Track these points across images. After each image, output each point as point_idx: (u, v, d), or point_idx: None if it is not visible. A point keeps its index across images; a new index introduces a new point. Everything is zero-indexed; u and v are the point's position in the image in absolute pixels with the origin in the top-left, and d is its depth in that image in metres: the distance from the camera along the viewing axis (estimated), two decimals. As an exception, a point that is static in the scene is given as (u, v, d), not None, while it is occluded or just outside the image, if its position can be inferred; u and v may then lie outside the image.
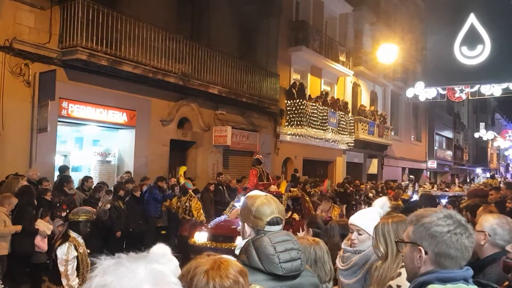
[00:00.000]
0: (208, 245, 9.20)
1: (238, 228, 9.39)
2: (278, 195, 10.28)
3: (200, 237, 9.74)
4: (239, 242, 2.40)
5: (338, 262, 3.44)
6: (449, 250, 1.78)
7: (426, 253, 1.81)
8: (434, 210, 1.92)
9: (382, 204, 3.45)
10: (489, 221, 3.03)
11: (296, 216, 10.80)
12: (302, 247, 2.91)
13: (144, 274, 1.06)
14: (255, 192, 2.50)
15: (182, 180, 11.40)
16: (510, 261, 2.86)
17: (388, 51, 18.87)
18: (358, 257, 3.31)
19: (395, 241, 2.14)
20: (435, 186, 24.91)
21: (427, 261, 1.82)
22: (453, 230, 1.79)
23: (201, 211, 10.89)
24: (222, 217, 10.57)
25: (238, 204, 10.11)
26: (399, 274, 2.60)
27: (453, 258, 1.79)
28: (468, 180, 37.81)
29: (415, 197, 17.17)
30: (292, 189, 12.33)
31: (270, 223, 2.29)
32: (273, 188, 11.60)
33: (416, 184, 24.30)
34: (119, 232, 10.04)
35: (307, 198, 11.96)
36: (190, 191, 11.21)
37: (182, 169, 11.47)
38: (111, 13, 11.33)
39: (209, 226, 10.00)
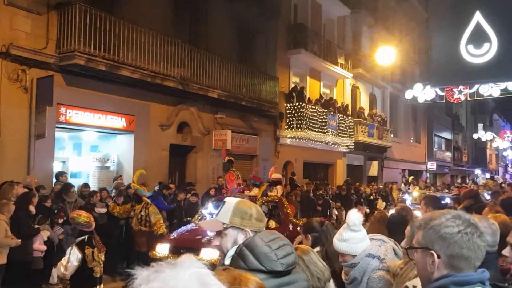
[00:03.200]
0: (170, 258, 8.30)
1: (203, 238, 8.94)
2: (252, 200, 9.77)
3: (162, 249, 8.75)
4: (230, 251, 2.36)
5: (343, 276, 3.36)
6: (462, 251, 1.72)
7: (438, 257, 1.75)
8: (442, 212, 1.86)
9: (354, 219, 3.30)
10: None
11: (272, 223, 9.97)
12: None
13: (188, 276, 1.10)
14: (234, 198, 2.54)
15: (136, 186, 9.74)
16: (507, 264, 2.78)
17: (386, 53, 18.84)
18: (354, 270, 3.22)
19: (405, 248, 2.02)
20: (432, 188, 24.83)
21: (441, 265, 1.75)
22: (464, 230, 1.74)
23: (161, 221, 9.52)
24: (189, 226, 9.57)
25: (206, 211, 9.66)
26: (417, 275, 2.51)
27: (467, 259, 1.73)
28: (466, 182, 37.82)
29: (408, 198, 17.11)
30: (269, 193, 11.42)
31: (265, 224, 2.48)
32: (254, 191, 11.06)
33: (411, 186, 24.26)
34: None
35: (286, 204, 11.05)
36: (145, 198, 9.73)
37: (138, 172, 10.10)
38: (108, 18, 11.24)
39: (172, 237, 9.03)
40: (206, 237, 8.53)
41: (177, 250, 8.30)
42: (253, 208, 2.47)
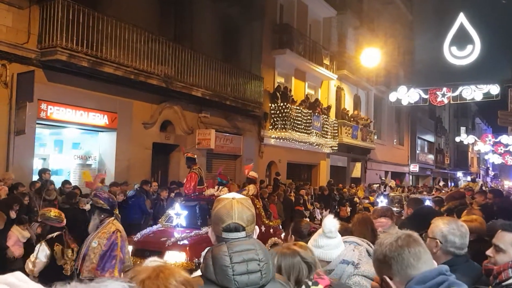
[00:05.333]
0: (132, 262, 7.97)
1: (169, 241, 8.49)
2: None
3: None
4: (204, 251, 2.25)
5: None
6: (398, 260, 1.84)
7: (391, 278, 1.85)
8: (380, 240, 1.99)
9: (330, 227, 3.20)
10: (440, 227, 2.92)
11: None
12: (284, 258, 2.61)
13: None
14: (227, 195, 2.26)
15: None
16: (491, 265, 2.78)
17: (371, 55, 18.93)
18: (329, 277, 3.17)
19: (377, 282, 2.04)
20: (405, 189, 24.90)
21: (399, 284, 1.84)
22: (388, 243, 1.88)
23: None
24: (154, 227, 9.34)
25: (173, 211, 9.42)
26: None
27: (407, 263, 1.83)
28: (449, 184, 38.17)
29: (384, 200, 17.18)
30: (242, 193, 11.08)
31: (226, 229, 2.08)
32: (210, 191, 10.45)
33: (387, 187, 24.34)
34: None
35: (258, 204, 10.47)
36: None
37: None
38: (92, 13, 11.10)
39: (135, 239, 8.59)
40: (172, 239, 8.33)
41: (140, 253, 7.94)
42: (216, 208, 2.16)
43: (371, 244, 3.25)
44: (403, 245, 1.85)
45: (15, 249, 7.64)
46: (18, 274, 0.94)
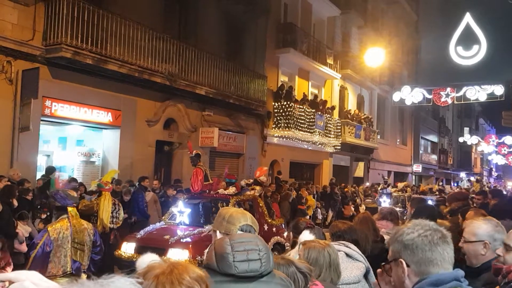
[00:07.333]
0: (135, 259, 7.91)
1: (172, 238, 8.55)
2: (225, 199, 9.58)
3: (128, 248, 8.42)
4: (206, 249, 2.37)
5: None
6: (426, 254, 1.78)
7: (408, 265, 1.81)
8: (406, 224, 1.94)
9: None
10: (483, 228, 2.91)
11: None
12: (316, 250, 2.74)
13: None
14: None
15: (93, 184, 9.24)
16: (500, 264, 2.77)
17: (375, 55, 18.88)
18: None
19: (382, 264, 2.00)
20: (408, 189, 24.77)
21: (411, 274, 1.81)
22: (423, 233, 1.81)
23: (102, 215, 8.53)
24: (158, 224, 9.36)
25: (176, 209, 9.45)
26: None
27: (432, 261, 1.78)
28: (452, 184, 38.10)
29: (387, 200, 17.15)
30: (250, 188, 10.99)
31: (243, 229, 2.33)
32: (229, 190, 10.43)
33: (390, 187, 24.26)
34: None
35: (261, 203, 10.51)
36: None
37: (111, 173, 9.61)
38: (97, 11, 11.12)
39: (138, 236, 8.63)
40: (175, 237, 8.33)
41: (143, 250, 7.91)
42: (230, 212, 2.45)
43: (350, 246, 3.29)
44: (439, 243, 1.80)
45: (20, 246, 7.68)
46: (36, 273, 0.96)
